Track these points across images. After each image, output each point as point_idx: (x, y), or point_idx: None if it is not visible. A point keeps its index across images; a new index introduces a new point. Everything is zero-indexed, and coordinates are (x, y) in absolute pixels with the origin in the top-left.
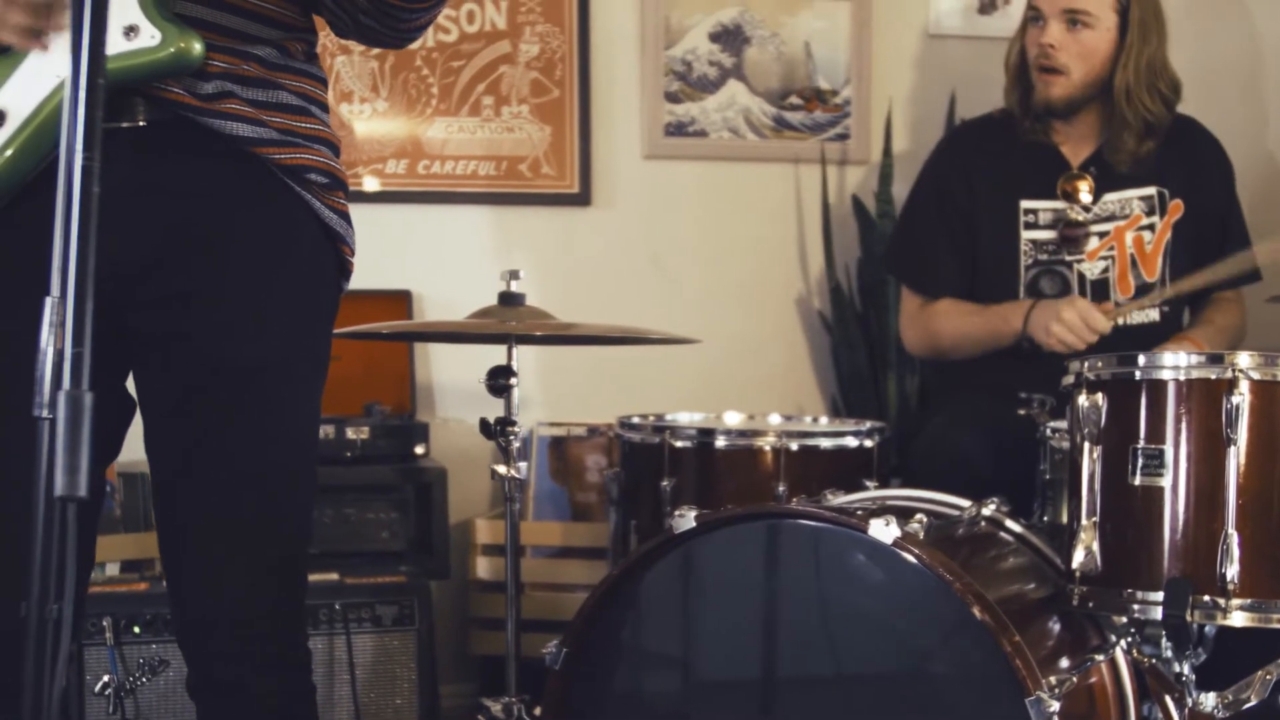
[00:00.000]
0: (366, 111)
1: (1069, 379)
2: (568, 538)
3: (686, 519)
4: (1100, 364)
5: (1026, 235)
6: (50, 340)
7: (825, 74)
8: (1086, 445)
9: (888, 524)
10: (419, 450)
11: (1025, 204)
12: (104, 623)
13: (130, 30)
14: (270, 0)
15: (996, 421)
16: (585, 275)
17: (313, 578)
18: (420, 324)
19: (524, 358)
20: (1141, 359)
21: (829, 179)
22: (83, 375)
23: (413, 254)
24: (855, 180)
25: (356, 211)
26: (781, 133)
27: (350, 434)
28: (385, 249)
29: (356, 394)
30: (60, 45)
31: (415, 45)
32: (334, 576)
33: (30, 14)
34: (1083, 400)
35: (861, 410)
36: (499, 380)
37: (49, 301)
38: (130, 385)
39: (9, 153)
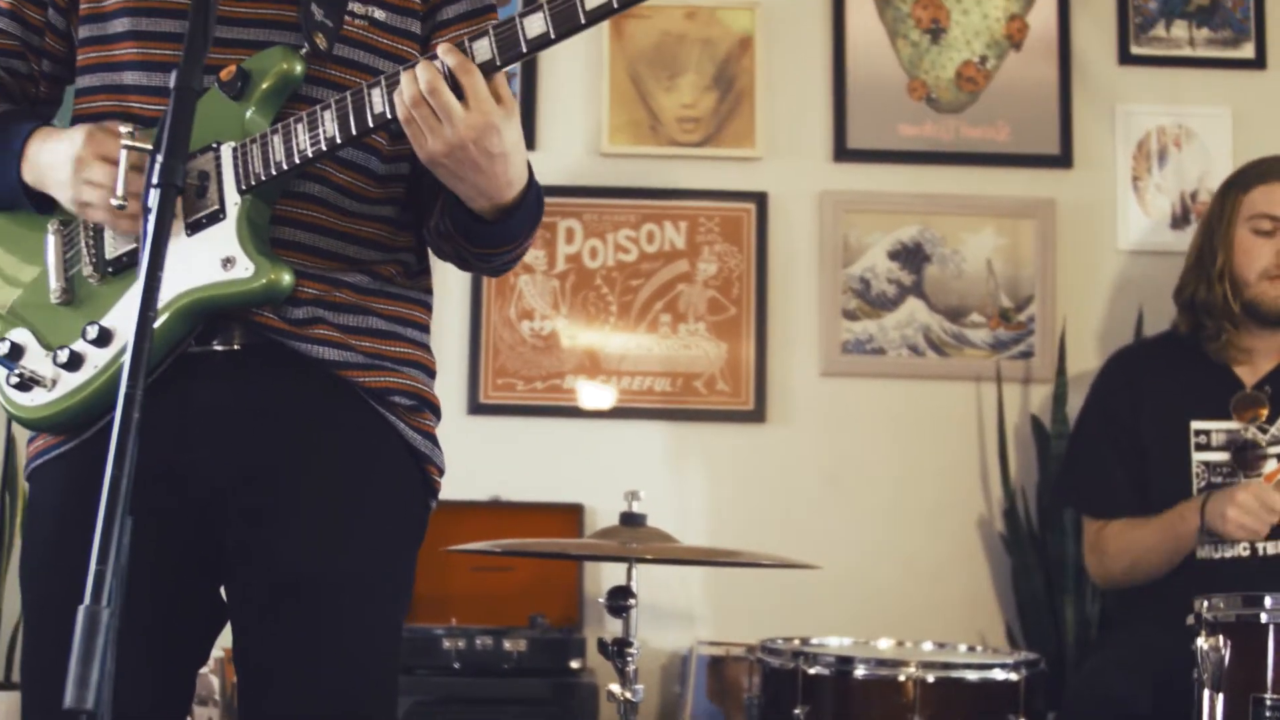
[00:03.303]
0: (546, 328)
1: (1190, 619)
2: None
3: None
4: (1222, 604)
5: (1198, 457)
6: None
7: (1008, 290)
8: (1207, 693)
9: None
10: (574, 664)
11: (1196, 425)
12: None
13: (227, 261)
14: (367, 223)
15: (1163, 657)
16: (760, 493)
17: None
18: (542, 542)
19: (691, 576)
20: (1268, 600)
21: (1008, 397)
22: (103, 592)
23: (587, 468)
24: (1039, 399)
25: (534, 424)
26: (962, 350)
27: (507, 646)
28: (560, 462)
29: (524, 605)
30: (169, 272)
31: (595, 265)
32: None
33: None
34: (1203, 643)
35: (1039, 638)
36: (618, 601)
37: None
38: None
39: (115, 368)
